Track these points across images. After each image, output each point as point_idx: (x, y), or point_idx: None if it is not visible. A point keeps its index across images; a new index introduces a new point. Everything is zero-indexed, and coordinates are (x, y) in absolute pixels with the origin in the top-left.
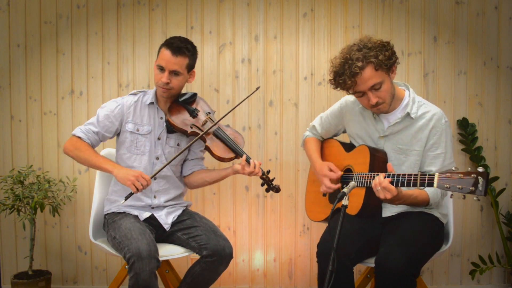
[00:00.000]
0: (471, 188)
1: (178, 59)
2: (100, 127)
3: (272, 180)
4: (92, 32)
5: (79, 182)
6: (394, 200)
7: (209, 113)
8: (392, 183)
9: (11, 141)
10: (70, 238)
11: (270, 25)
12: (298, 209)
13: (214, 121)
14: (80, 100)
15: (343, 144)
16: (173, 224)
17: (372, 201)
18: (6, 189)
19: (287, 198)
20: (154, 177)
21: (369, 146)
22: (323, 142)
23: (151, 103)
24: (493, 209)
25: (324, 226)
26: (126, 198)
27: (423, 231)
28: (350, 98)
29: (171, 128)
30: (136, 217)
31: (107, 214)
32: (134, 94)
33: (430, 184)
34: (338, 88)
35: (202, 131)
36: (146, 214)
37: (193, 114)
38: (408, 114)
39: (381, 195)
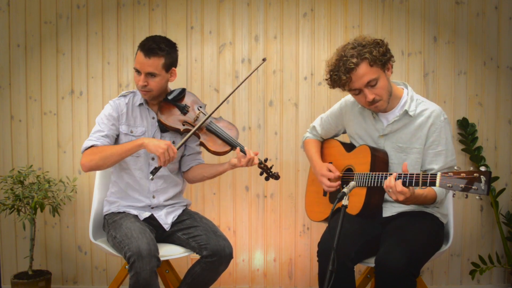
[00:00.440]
0: (473, 187)
1: (151, 61)
2: (107, 130)
3: (271, 167)
4: (92, 32)
5: (79, 182)
6: (406, 201)
7: (200, 107)
8: None
9: (11, 141)
10: (70, 238)
11: (270, 25)
12: (298, 209)
13: (205, 115)
14: (80, 100)
15: (344, 144)
16: (173, 224)
17: (373, 201)
18: (6, 189)
19: (287, 198)
20: (180, 145)
21: (370, 146)
22: (323, 142)
23: (141, 103)
24: (493, 209)
25: (324, 226)
26: (154, 173)
27: (423, 231)
28: (350, 98)
29: (164, 128)
30: (136, 216)
31: (106, 214)
32: (124, 96)
33: (432, 184)
34: (335, 87)
35: (193, 127)
36: (146, 214)
37: (184, 111)
38: (406, 112)
39: (393, 196)
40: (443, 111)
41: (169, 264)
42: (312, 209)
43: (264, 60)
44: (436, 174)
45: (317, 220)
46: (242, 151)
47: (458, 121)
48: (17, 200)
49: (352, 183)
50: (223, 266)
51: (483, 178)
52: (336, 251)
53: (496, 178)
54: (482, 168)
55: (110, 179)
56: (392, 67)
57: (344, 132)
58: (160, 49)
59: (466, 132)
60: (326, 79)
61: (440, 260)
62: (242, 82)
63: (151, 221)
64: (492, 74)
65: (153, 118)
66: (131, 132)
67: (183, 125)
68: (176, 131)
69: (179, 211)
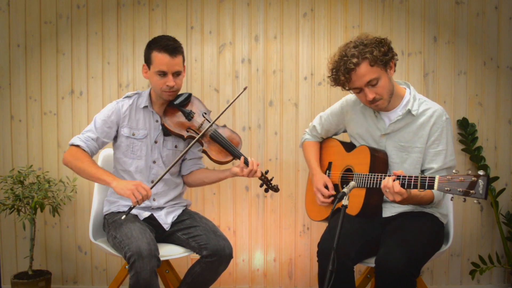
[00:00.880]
0: (471, 191)
1: (177, 59)
2: (99, 133)
3: (271, 179)
4: (92, 32)
5: (79, 182)
6: (402, 201)
7: (205, 113)
8: None
9: (11, 141)
10: (70, 238)
11: (270, 25)
12: (298, 209)
13: (210, 123)
14: (80, 100)
15: (344, 144)
16: (173, 224)
17: (372, 201)
18: (6, 189)
19: (287, 198)
20: (154, 186)
21: (370, 146)
22: (322, 142)
23: (146, 106)
24: (493, 209)
25: (324, 226)
26: (127, 213)
27: (423, 231)
28: (351, 97)
29: (167, 132)
30: (136, 216)
31: (106, 214)
32: (129, 97)
33: (431, 187)
34: (336, 85)
35: (198, 134)
36: (146, 214)
37: (189, 117)
38: (409, 111)
39: (390, 197)
40: (445, 111)
41: (169, 264)
42: (312, 209)
43: (245, 88)
44: (434, 178)
45: (317, 220)
46: (246, 162)
47: (458, 121)
48: (17, 200)
49: (352, 183)
50: (223, 266)
51: (481, 182)
52: (336, 251)
53: (496, 178)
54: (481, 172)
55: None
56: (395, 66)
57: (344, 131)
58: (180, 46)
59: (466, 132)
60: (328, 76)
61: (440, 260)
62: (226, 108)
63: (151, 221)
64: (492, 74)
65: (157, 121)
66: (133, 134)
67: (187, 131)
68: (180, 137)
69: (179, 211)
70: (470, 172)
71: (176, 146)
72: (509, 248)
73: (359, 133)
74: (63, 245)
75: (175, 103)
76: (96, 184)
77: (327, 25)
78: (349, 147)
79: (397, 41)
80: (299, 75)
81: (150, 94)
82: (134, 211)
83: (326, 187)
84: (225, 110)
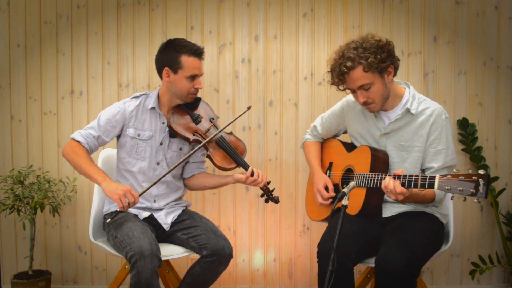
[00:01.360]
0: (472, 190)
1: (202, 62)
2: (101, 132)
3: (272, 191)
4: (92, 32)
5: (79, 182)
6: (404, 200)
7: (213, 119)
8: None
9: (11, 141)
10: (70, 238)
11: (270, 25)
12: (298, 209)
13: (217, 128)
14: (80, 100)
15: (344, 144)
16: (173, 224)
17: (372, 201)
18: (6, 189)
19: (287, 198)
20: (142, 194)
21: (370, 146)
22: (323, 142)
23: (153, 107)
24: (493, 209)
25: (324, 226)
26: (112, 217)
27: (423, 231)
28: (352, 98)
29: (173, 133)
30: (136, 216)
31: (106, 214)
32: (136, 97)
33: (431, 186)
34: (332, 84)
35: (204, 138)
36: (146, 214)
37: (197, 120)
38: (408, 110)
39: (393, 197)
40: (444, 110)
41: (169, 264)
42: (312, 209)
43: (249, 108)
44: (434, 177)
45: (317, 220)
46: (251, 174)
47: (458, 121)
48: (17, 200)
49: (352, 183)
50: (223, 266)
51: (481, 182)
52: (336, 251)
53: (496, 178)
54: (481, 171)
55: (113, 176)
56: (394, 70)
57: (345, 132)
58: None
59: (466, 132)
60: (328, 71)
61: (440, 260)
62: (231, 123)
63: (151, 221)
64: (492, 74)
65: (163, 123)
66: (138, 135)
67: (193, 135)
68: (186, 140)
69: (179, 211)
70: (470, 171)
71: (181, 149)
72: (509, 248)
73: (360, 133)
74: (63, 245)
75: (184, 105)
76: (96, 184)
77: (327, 25)
78: (349, 147)
79: (397, 41)
80: (299, 75)
81: (158, 96)
82: (133, 211)
83: (326, 188)
84: (231, 122)
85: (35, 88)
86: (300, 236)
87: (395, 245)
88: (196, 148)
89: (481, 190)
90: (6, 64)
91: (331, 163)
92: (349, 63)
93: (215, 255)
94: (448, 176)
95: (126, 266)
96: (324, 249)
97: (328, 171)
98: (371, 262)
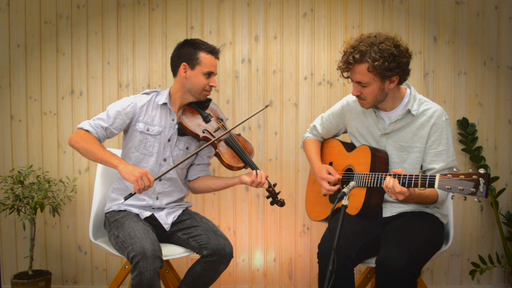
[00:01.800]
0: (472, 189)
1: (217, 62)
2: (110, 123)
3: (278, 193)
4: (92, 32)
5: (79, 182)
6: (406, 200)
7: (222, 120)
8: None
9: (11, 141)
10: (70, 238)
11: (270, 25)
12: (298, 209)
13: (226, 129)
14: (80, 100)
15: (344, 144)
16: (173, 224)
17: (372, 201)
18: (6, 189)
19: (287, 198)
20: (159, 178)
21: (370, 146)
22: (323, 142)
23: (164, 103)
24: (493, 209)
25: (324, 226)
26: (126, 198)
27: (423, 231)
28: (352, 97)
29: (182, 131)
30: (137, 215)
31: (107, 212)
32: (147, 93)
33: (431, 185)
34: (338, 69)
35: (213, 137)
36: (147, 214)
37: (207, 119)
38: (409, 111)
39: (393, 196)
40: (445, 111)
41: (169, 264)
42: (312, 209)
43: (267, 106)
44: (435, 176)
45: (317, 220)
46: (256, 172)
47: (458, 121)
48: (17, 200)
49: (352, 183)
50: (223, 266)
51: (481, 181)
52: (336, 251)
53: (496, 178)
54: (481, 170)
55: (114, 175)
56: (398, 80)
57: (345, 132)
58: None
59: (466, 132)
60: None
61: (440, 260)
62: (247, 120)
63: (152, 221)
64: (492, 74)
65: (173, 120)
66: (147, 130)
67: (203, 132)
68: (195, 136)
69: (179, 211)
70: (470, 170)
71: (187, 148)
72: (509, 248)
73: (360, 132)
74: (63, 245)
75: (195, 104)
76: (96, 184)
77: (327, 25)
78: (349, 147)
79: None
80: (299, 75)
81: (169, 94)
82: (135, 210)
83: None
84: (244, 121)
85: (35, 88)
86: (300, 236)
87: (396, 245)
88: (206, 144)
89: (481, 189)
90: (6, 64)
91: (331, 163)
92: (358, 56)
93: (216, 254)
94: (448, 175)
95: (126, 266)
96: (324, 250)
97: None
98: (372, 262)
